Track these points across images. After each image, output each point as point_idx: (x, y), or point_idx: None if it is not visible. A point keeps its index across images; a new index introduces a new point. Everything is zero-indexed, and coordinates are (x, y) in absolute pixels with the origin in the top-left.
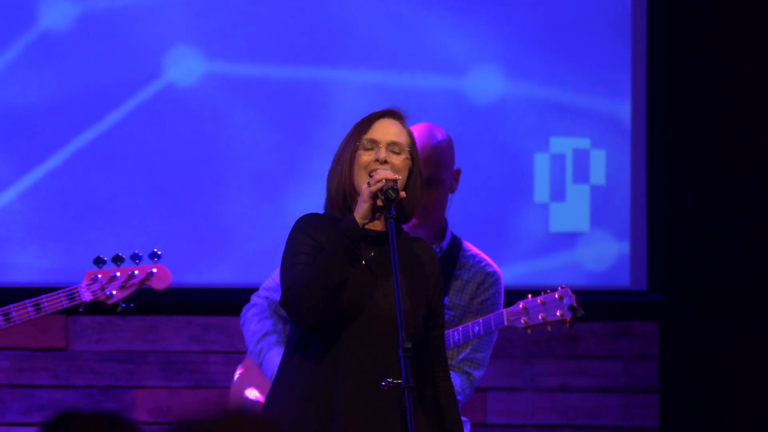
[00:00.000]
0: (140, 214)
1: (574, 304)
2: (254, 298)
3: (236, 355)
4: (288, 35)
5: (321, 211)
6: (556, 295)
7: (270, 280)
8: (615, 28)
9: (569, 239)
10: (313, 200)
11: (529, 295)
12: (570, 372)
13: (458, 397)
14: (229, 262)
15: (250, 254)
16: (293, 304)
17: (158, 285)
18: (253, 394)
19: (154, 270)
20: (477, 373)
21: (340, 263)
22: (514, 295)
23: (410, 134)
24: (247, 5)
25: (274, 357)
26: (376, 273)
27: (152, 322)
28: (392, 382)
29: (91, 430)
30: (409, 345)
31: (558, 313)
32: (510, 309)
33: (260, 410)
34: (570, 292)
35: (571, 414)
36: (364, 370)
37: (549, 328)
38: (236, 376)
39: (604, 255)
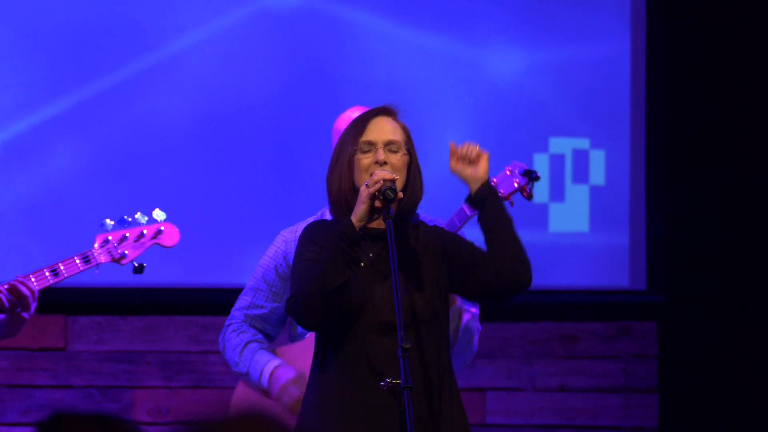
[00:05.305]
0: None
1: (527, 168)
2: (228, 320)
3: None
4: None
5: (319, 208)
6: (507, 171)
7: (242, 300)
8: (615, 26)
9: (568, 239)
10: (315, 200)
11: None
12: (569, 372)
13: (474, 331)
14: (229, 262)
15: (250, 254)
16: (295, 310)
17: (167, 242)
18: (256, 395)
19: (162, 228)
20: (475, 309)
21: (337, 267)
22: None
23: (405, 129)
24: None
25: (262, 357)
26: (378, 272)
27: (152, 322)
28: (391, 382)
29: (85, 430)
30: (408, 345)
31: (514, 184)
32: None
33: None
34: (519, 163)
35: (570, 414)
36: (365, 371)
37: (511, 203)
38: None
39: (604, 255)
